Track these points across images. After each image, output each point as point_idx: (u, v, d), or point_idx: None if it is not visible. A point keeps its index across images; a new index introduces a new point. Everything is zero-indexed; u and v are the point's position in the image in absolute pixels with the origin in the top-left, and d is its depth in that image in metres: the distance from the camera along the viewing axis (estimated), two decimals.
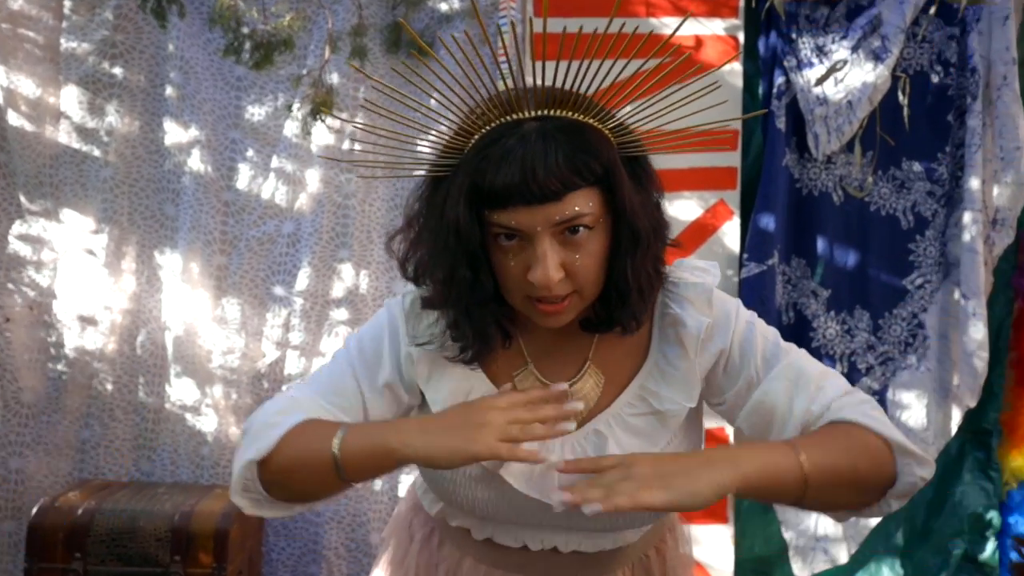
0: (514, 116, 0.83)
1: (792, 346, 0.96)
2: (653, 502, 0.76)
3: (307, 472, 0.86)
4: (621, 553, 1.02)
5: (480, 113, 0.83)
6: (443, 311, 0.91)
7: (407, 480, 2.31)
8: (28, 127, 2.23)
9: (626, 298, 0.88)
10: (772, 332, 0.97)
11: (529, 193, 0.79)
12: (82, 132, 2.29)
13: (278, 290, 2.35)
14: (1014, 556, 2.36)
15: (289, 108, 2.19)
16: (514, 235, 0.83)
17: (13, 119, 2.22)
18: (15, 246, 2.27)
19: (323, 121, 2.05)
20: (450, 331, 0.91)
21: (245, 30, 1.96)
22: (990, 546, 2.38)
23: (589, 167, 0.81)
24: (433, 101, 0.87)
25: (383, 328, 0.98)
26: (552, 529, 0.97)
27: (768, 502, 0.89)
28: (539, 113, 0.83)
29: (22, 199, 2.25)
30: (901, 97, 2.25)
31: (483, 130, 0.83)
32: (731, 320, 0.95)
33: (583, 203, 0.81)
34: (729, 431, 2.25)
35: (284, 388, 0.96)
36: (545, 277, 0.81)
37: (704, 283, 0.95)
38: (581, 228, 0.82)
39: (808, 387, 0.91)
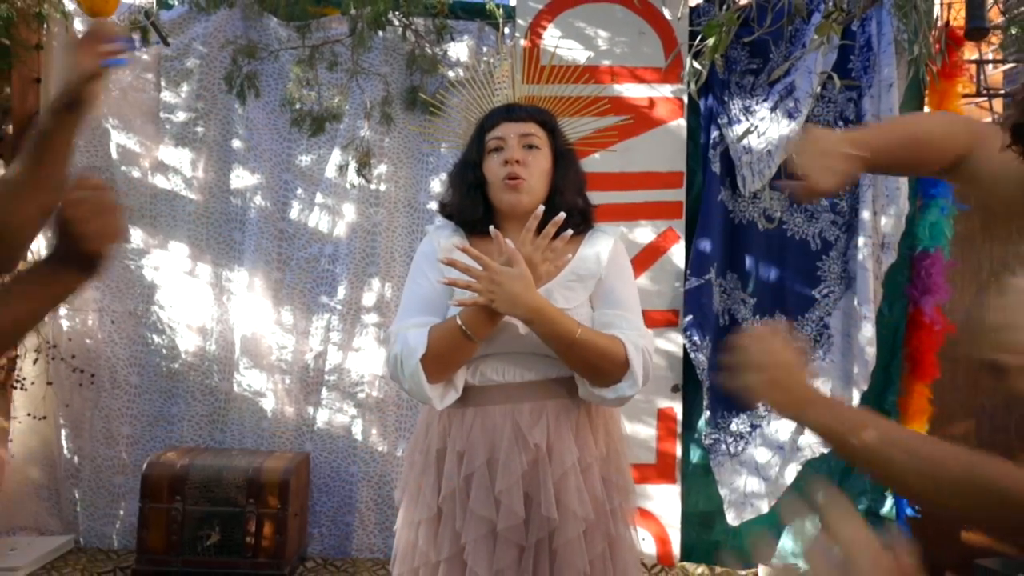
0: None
1: (636, 302, 1.47)
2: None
3: (449, 348, 1.31)
4: (557, 384, 1.42)
5: (492, 112, 1.53)
6: (456, 207, 1.48)
7: None
8: (134, 173, 2.86)
9: (564, 198, 1.44)
10: (635, 291, 1.48)
11: (510, 114, 1.47)
12: (175, 176, 2.90)
13: (322, 299, 2.94)
14: (909, 511, 2.92)
15: (341, 167, 2.81)
16: (500, 148, 1.45)
17: (123, 167, 2.85)
18: (119, 266, 2.90)
19: (362, 175, 2.67)
20: (458, 214, 1.48)
21: (303, 107, 2.58)
22: (888, 502, 2.91)
23: (545, 118, 1.50)
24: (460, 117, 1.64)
25: (421, 256, 1.47)
26: (520, 355, 1.40)
27: (546, 337, 1.34)
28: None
29: (132, 230, 2.87)
30: None
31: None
32: (624, 257, 1.50)
33: (538, 131, 1.47)
34: (678, 408, 2.85)
35: (393, 329, 1.39)
36: (511, 153, 1.42)
37: (618, 229, 1.60)
38: (535, 148, 1.45)
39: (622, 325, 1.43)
